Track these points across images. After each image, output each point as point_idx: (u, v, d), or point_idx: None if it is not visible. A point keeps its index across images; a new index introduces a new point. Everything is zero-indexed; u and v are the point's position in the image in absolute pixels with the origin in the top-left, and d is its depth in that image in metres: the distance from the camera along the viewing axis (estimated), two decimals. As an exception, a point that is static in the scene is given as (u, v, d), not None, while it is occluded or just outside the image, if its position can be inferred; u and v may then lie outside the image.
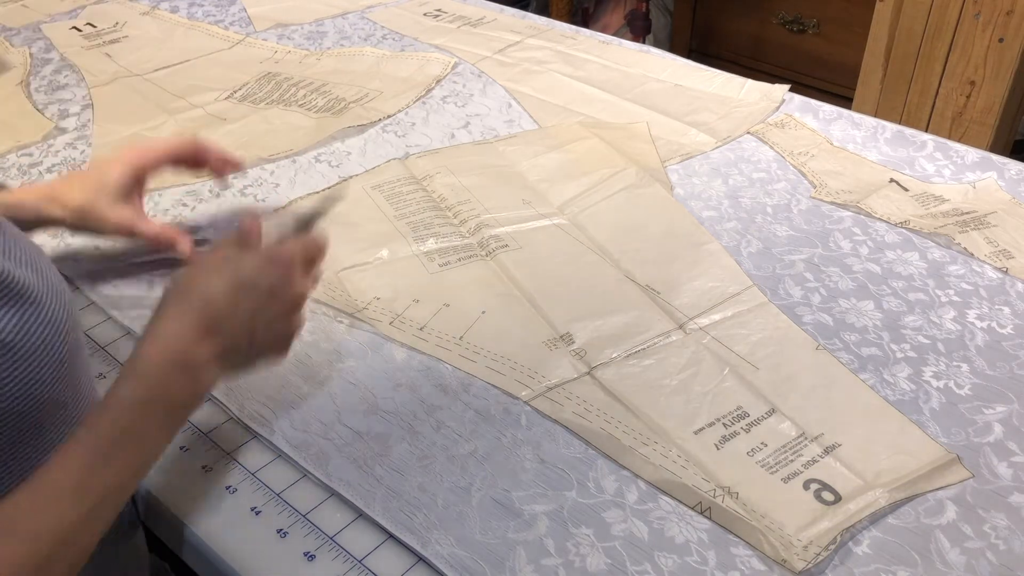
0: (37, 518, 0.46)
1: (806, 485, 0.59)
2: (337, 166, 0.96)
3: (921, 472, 0.59)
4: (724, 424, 0.63)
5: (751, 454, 0.61)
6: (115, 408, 0.50)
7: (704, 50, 2.43)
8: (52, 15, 1.36)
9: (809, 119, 1.05)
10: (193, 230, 0.82)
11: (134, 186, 0.74)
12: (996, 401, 0.66)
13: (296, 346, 0.70)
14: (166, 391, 0.51)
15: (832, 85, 2.13)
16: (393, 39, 1.28)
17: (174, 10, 1.38)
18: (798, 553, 0.54)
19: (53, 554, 0.46)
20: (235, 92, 1.12)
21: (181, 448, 0.62)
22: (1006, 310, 0.74)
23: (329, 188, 0.68)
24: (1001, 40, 1.57)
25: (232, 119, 1.06)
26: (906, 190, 0.91)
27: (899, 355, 0.70)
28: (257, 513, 0.58)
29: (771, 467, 0.60)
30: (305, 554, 0.55)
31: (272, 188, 0.92)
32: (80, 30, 1.31)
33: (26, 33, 1.30)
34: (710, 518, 0.57)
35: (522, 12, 1.39)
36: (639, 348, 0.70)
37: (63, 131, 1.03)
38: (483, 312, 0.74)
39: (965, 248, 0.82)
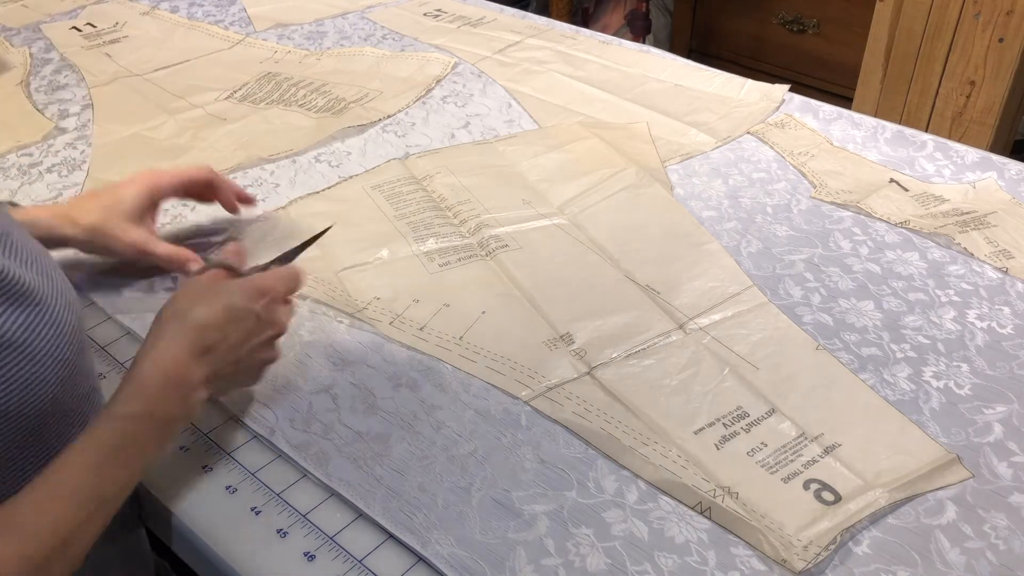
0: (40, 519, 0.48)
1: (806, 485, 0.59)
2: (337, 166, 0.96)
3: (921, 472, 0.59)
4: (724, 424, 0.63)
5: (751, 454, 0.61)
6: (115, 420, 0.53)
7: (704, 50, 2.43)
8: (52, 15, 1.36)
9: (809, 119, 1.05)
10: (201, 245, 0.82)
11: (147, 208, 0.75)
12: (996, 401, 0.66)
13: (296, 346, 0.71)
14: (161, 407, 0.54)
15: (832, 85, 2.13)
16: (393, 39, 1.28)
17: (174, 10, 1.38)
18: (798, 553, 0.54)
19: (53, 555, 0.48)
20: (235, 92, 1.12)
21: (181, 448, 0.62)
22: (1006, 310, 0.74)
23: (316, 235, 0.73)
24: (1001, 40, 1.57)
25: (232, 119, 1.06)
26: (906, 190, 0.91)
27: (899, 355, 0.70)
28: (257, 513, 0.58)
29: (771, 467, 0.60)
30: (305, 554, 0.55)
31: (272, 188, 0.92)
32: (80, 30, 1.31)
33: (26, 33, 1.30)
34: (710, 518, 0.57)
35: (522, 12, 1.39)
36: (639, 348, 0.70)
37: (63, 131, 1.03)
38: (483, 312, 0.74)
39: (965, 248, 0.82)
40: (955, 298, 0.76)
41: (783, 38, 2.27)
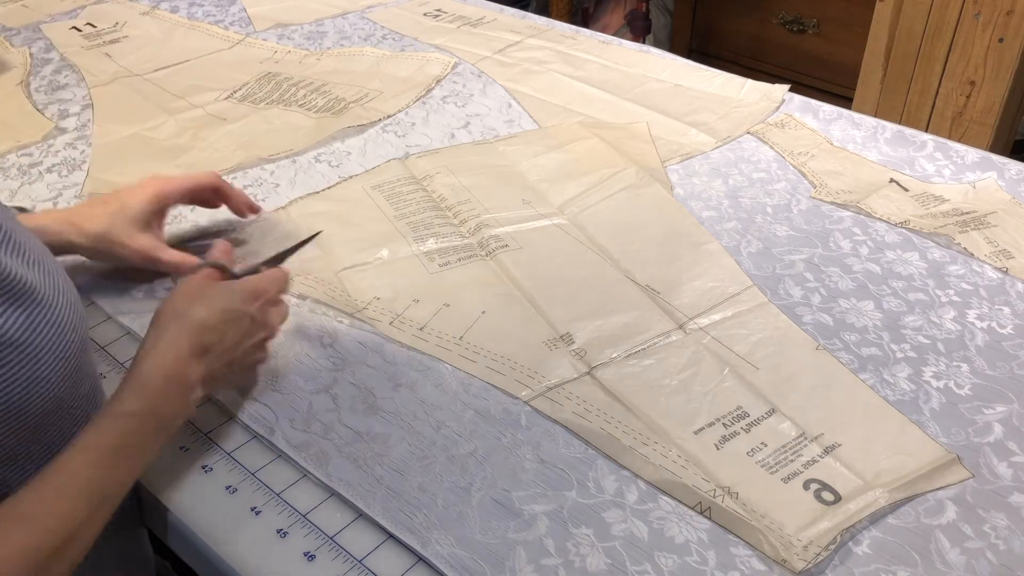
0: (49, 513, 0.49)
1: (806, 485, 0.59)
2: (337, 166, 0.96)
3: (921, 472, 0.59)
4: (724, 424, 0.63)
5: (751, 454, 0.61)
6: (119, 417, 0.54)
7: (704, 50, 2.43)
8: (52, 15, 1.36)
9: (809, 119, 1.05)
10: (205, 249, 0.82)
11: (154, 215, 0.75)
12: (996, 401, 0.66)
13: (296, 346, 0.71)
14: (163, 406, 0.56)
15: (832, 85, 2.13)
16: (393, 39, 1.28)
17: (174, 10, 1.38)
18: (798, 553, 0.54)
19: (63, 547, 0.49)
20: (235, 92, 1.12)
21: (181, 448, 0.62)
22: (1006, 310, 0.74)
23: (304, 240, 0.74)
24: (1001, 40, 1.57)
25: (232, 119, 1.06)
26: (906, 190, 0.91)
27: (899, 355, 0.70)
28: (257, 513, 0.58)
29: (771, 467, 0.60)
30: (305, 554, 0.55)
31: (272, 188, 0.92)
32: (80, 30, 1.31)
33: (26, 33, 1.30)
34: (710, 518, 0.57)
35: (522, 12, 1.39)
36: (639, 348, 0.70)
37: (63, 131, 1.03)
38: (483, 312, 0.74)
39: (965, 248, 0.82)
40: (955, 298, 0.76)
41: (783, 38, 2.27)
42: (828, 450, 0.61)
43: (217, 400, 0.65)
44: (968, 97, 1.65)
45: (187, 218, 0.86)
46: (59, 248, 0.71)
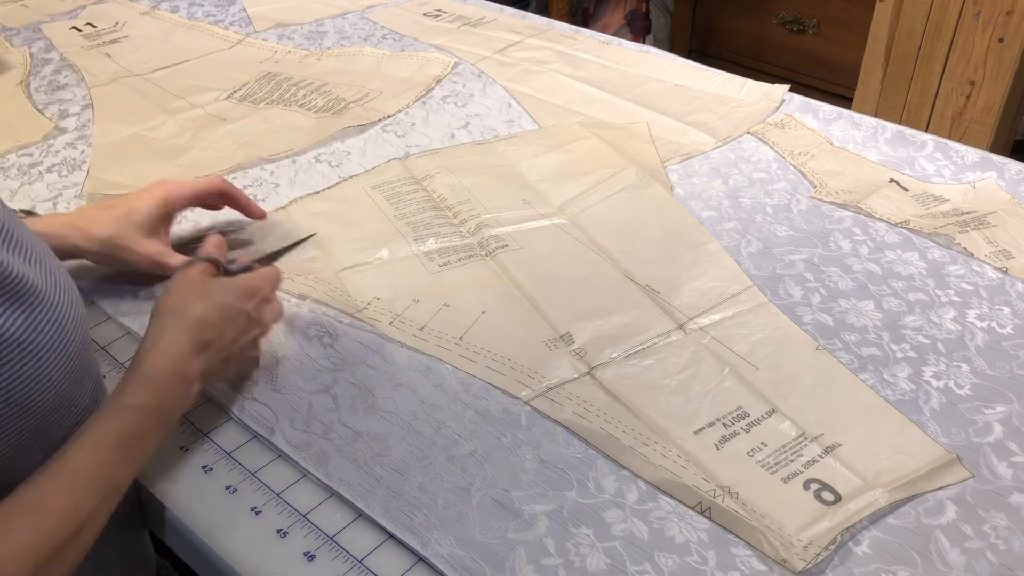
0: (61, 504, 0.50)
1: (806, 485, 0.59)
2: (337, 166, 0.96)
3: (921, 472, 0.59)
4: (724, 424, 0.63)
5: (751, 454, 0.61)
6: (125, 411, 0.55)
7: (704, 50, 2.43)
8: (52, 15, 1.36)
9: (809, 119, 1.05)
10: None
11: (161, 220, 0.75)
12: (996, 401, 0.66)
13: (296, 346, 0.71)
14: (167, 399, 0.57)
15: (832, 85, 2.13)
16: (393, 39, 1.28)
17: (174, 10, 1.38)
18: (798, 553, 0.54)
19: (73, 537, 0.50)
20: (235, 92, 1.12)
21: (181, 448, 0.62)
22: (1006, 310, 0.74)
23: (298, 240, 0.75)
24: (1001, 40, 1.57)
25: (232, 119, 1.06)
26: (906, 190, 0.91)
27: (899, 355, 0.70)
28: (257, 513, 0.58)
29: (771, 467, 0.60)
30: (305, 554, 0.55)
31: (272, 188, 0.92)
32: (80, 30, 1.31)
33: (26, 33, 1.30)
34: (710, 518, 0.57)
35: (522, 12, 1.39)
36: (639, 348, 0.70)
37: (63, 131, 1.03)
38: (483, 312, 0.74)
39: (965, 248, 0.82)
40: (955, 298, 0.76)
41: (783, 38, 2.27)
42: (828, 450, 0.61)
43: (217, 400, 0.65)
44: (968, 97, 1.65)
45: (187, 218, 0.86)
46: (65, 252, 0.71)
